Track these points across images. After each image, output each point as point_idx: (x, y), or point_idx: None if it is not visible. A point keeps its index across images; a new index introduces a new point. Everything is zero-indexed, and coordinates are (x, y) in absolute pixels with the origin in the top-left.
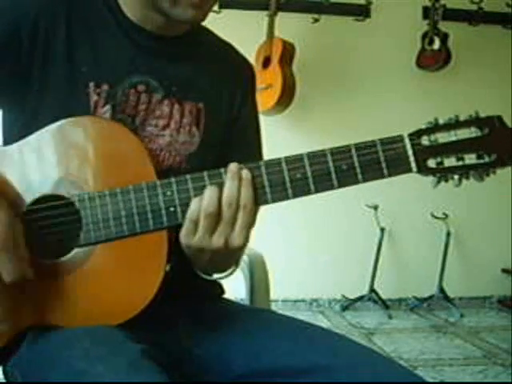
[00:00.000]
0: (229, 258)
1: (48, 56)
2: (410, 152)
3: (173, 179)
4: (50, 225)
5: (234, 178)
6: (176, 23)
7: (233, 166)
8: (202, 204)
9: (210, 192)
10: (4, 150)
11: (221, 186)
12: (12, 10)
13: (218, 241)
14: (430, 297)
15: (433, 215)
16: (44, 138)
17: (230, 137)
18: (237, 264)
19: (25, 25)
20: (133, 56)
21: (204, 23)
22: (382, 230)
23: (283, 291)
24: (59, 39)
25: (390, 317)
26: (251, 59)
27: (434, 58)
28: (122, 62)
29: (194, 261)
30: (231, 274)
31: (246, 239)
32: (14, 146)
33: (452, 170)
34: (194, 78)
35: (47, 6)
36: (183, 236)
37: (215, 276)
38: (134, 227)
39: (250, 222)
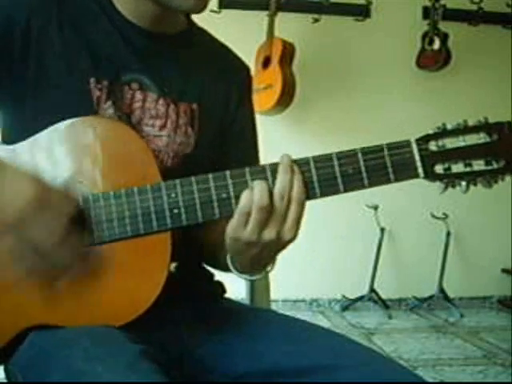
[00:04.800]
0: (275, 252)
1: (42, 54)
2: (418, 157)
3: (177, 181)
4: None
5: (287, 171)
6: (173, 13)
7: (285, 160)
8: (254, 197)
9: (261, 185)
10: (14, 149)
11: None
12: (4, 7)
13: (269, 234)
14: (430, 297)
15: (433, 215)
16: (52, 138)
17: (226, 138)
18: (274, 263)
19: (18, 23)
20: (126, 54)
21: (204, 23)
22: (382, 230)
23: (283, 291)
24: (52, 38)
25: (390, 317)
26: (251, 59)
27: (433, 58)
28: (115, 59)
29: (238, 256)
30: (268, 273)
31: (297, 233)
32: (24, 146)
33: (460, 176)
34: (187, 79)
35: (38, 5)
36: (233, 229)
37: (253, 277)
38: (138, 228)
39: (301, 216)
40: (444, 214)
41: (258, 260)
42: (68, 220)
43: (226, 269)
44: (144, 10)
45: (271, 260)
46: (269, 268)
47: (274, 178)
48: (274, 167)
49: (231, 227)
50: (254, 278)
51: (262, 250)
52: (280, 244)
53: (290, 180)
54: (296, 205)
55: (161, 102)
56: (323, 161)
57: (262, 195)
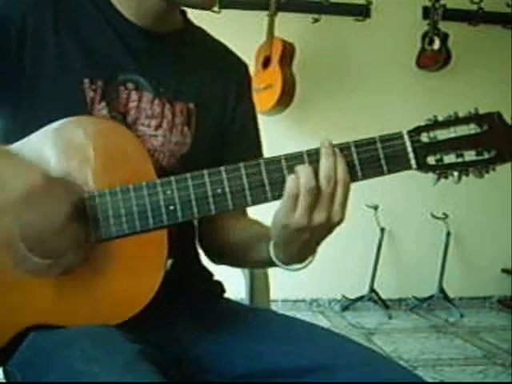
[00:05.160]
0: (324, 236)
1: (38, 54)
2: (410, 149)
3: (172, 178)
4: None
5: (329, 153)
6: (174, 11)
7: (326, 143)
8: (300, 180)
9: (306, 168)
10: (7, 150)
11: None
12: (0, 6)
13: (320, 217)
14: (430, 297)
15: (433, 215)
16: (45, 138)
17: (227, 136)
18: (315, 252)
19: (13, 22)
20: (122, 54)
21: (204, 23)
22: (382, 230)
23: (283, 291)
24: (47, 37)
25: (390, 317)
26: (251, 59)
27: (433, 58)
28: (111, 59)
29: (287, 245)
30: (309, 263)
31: (344, 214)
32: (17, 145)
33: (452, 166)
34: (184, 78)
35: (34, 5)
36: (282, 215)
37: (295, 266)
38: (134, 226)
39: (348, 197)
40: (444, 213)
41: (307, 247)
42: (70, 210)
43: (256, 265)
44: (149, 7)
45: (317, 247)
46: (310, 258)
47: (268, 171)
48: (267, 161)
49: (280, 214)
50: (296, 268)
51: (312, 235)
52: (329, 227)
53: (334, 162)
54: (342, 186)
55: (156, 101)
56: (316, 154)
57: (309, 177)
